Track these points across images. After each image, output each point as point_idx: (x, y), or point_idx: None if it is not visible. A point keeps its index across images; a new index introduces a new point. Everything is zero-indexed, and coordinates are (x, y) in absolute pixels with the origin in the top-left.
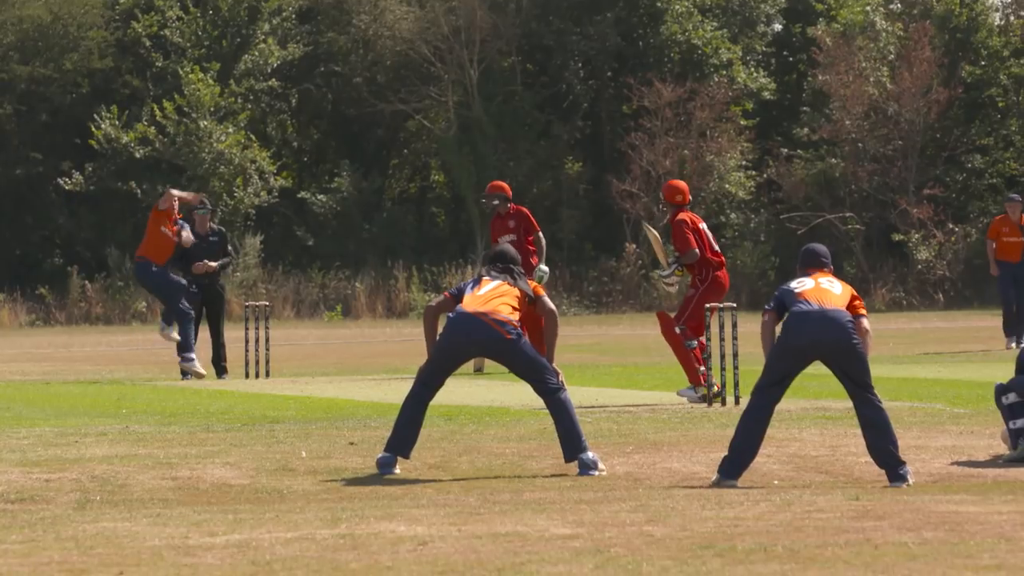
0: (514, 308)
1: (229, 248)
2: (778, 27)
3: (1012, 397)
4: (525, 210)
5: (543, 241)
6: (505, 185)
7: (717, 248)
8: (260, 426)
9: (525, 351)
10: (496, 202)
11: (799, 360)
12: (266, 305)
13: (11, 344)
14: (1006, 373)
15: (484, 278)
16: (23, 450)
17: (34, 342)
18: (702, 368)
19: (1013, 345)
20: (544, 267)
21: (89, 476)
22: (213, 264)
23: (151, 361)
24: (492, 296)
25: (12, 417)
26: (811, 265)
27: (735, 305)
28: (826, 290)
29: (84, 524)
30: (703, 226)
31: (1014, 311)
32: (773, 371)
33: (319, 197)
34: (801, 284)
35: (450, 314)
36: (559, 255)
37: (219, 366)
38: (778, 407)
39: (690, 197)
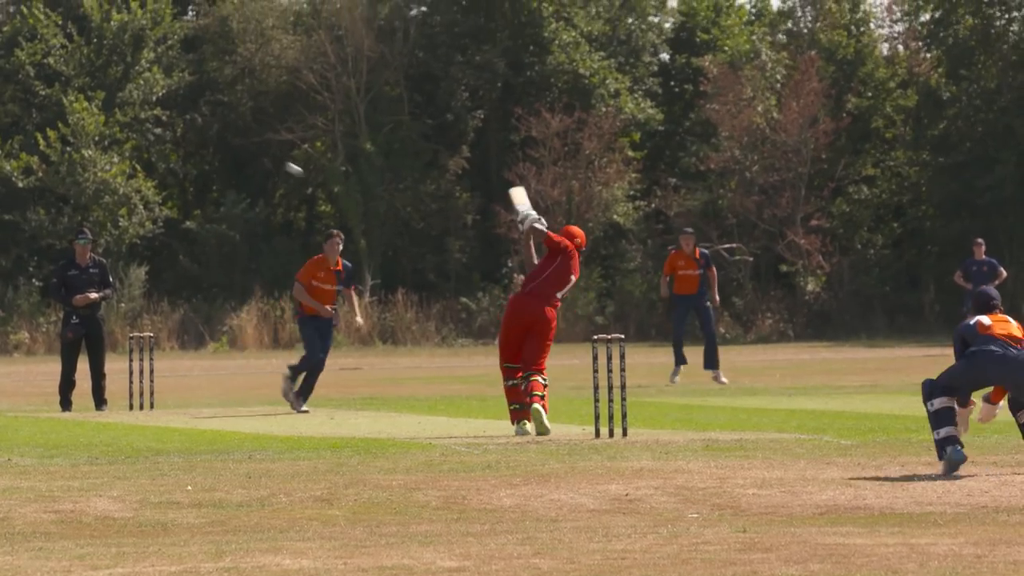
0: None
1: (110, 279)
2: (665, 57)
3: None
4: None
5: None
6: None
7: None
8: (144, 458)
9: None
10: None
11: None
12: (150, 336)
13: None
14: (893, 405)
15: None
16: None
17: None
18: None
19: (676, 380)
20: None
21: None
22: (93, 295)
23: (32, 392)
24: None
25: None
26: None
27: (623, 336)
28: None
29: None
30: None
31: (713, 342)
32: None
33: (205, 227)
34: None
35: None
36: (446, 285)
37: (98, 398)
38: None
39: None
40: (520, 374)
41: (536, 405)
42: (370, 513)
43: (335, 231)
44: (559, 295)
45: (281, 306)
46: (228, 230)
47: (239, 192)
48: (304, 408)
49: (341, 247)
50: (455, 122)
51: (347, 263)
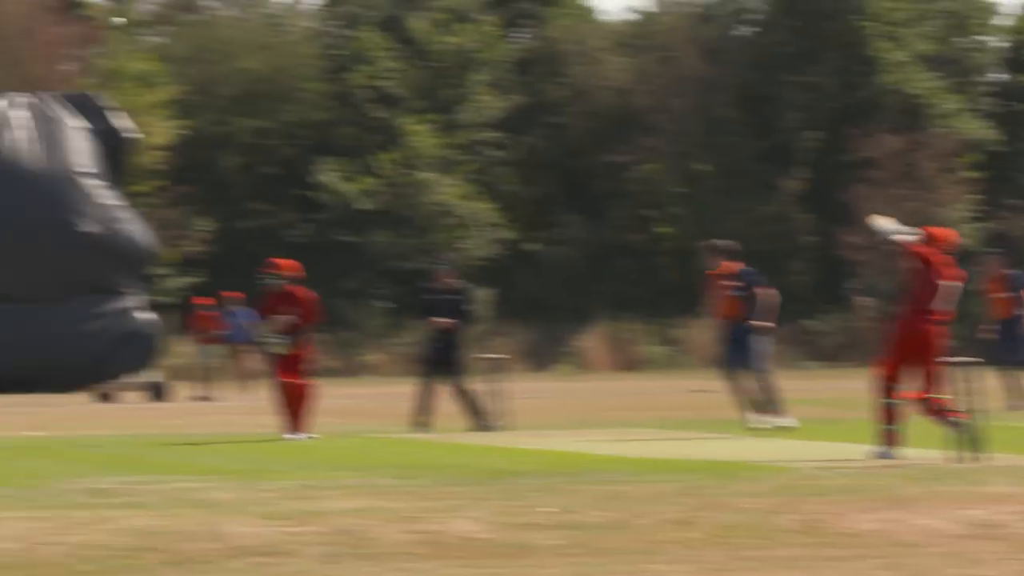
0: None
1: (468, 307)
2: (1000, 76)
3: None
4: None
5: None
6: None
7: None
8: (503, 480)
9: None
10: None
11: None
12: (501, 357)
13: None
14: None
15: None
16: (267, 503)
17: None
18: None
19: None
20: None
21: (334, 529)
22: (446, 320)
23: (386, 414)
24: None
25: (254, 470)
26: None
27: (979, 359)
28: None
29: None
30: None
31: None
32: None
33: (546, 249)
34: None
35: None
36: (788, 307)
37: (474, 418)
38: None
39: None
40: (899, 395)
41: (951, 418)
42: (729, 536)
43: (704, 242)
44: (940, 308)
45: (629, 328)
46: (569, 251)
47: (577, 213)
48: (780, 422)
49: (716, 255)
50: (788, 143)
51: (747, 268)
